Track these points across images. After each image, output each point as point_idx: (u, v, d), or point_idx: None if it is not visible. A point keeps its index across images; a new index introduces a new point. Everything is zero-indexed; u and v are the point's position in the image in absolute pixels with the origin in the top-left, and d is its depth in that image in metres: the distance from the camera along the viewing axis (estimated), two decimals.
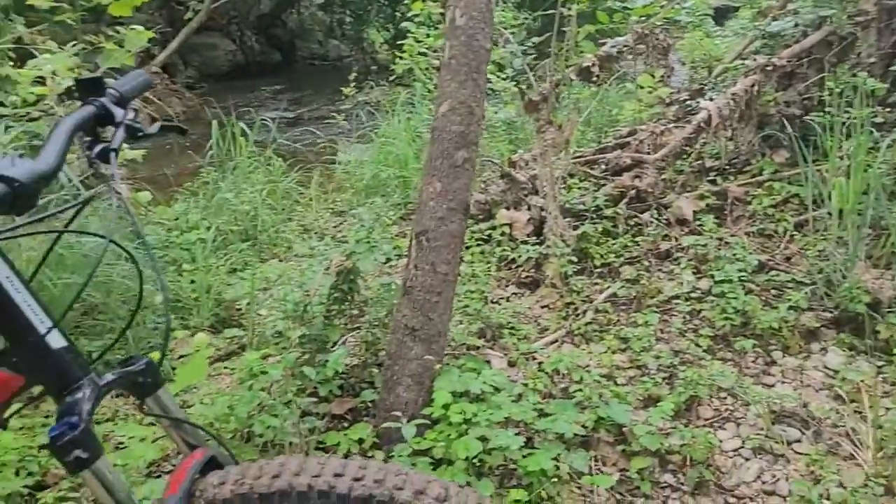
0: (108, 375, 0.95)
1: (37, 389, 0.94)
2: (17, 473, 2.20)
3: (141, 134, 1.07)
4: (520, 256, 3.45)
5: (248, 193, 4.42)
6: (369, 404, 2.45)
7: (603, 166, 3.98)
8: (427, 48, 6.60)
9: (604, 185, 3.86)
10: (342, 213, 4.98)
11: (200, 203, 4.45)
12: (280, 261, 4.05)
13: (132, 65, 4.26)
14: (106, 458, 0.89)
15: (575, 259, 3.27)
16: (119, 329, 2.84)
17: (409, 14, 6.55)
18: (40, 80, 4.19)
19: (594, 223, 3.49)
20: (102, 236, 0.97)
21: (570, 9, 3.15)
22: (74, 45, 3.89)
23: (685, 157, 3.96)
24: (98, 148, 1.02)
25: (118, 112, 1.05)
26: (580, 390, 2.30)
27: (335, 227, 4.74)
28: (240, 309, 3.42)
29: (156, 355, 1.03)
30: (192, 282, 3.40)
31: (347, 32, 17.46)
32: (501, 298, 3.31)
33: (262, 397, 2.23)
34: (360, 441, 2.25)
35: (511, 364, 2.71)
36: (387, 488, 0.89)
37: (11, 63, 6.89)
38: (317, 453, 2.26)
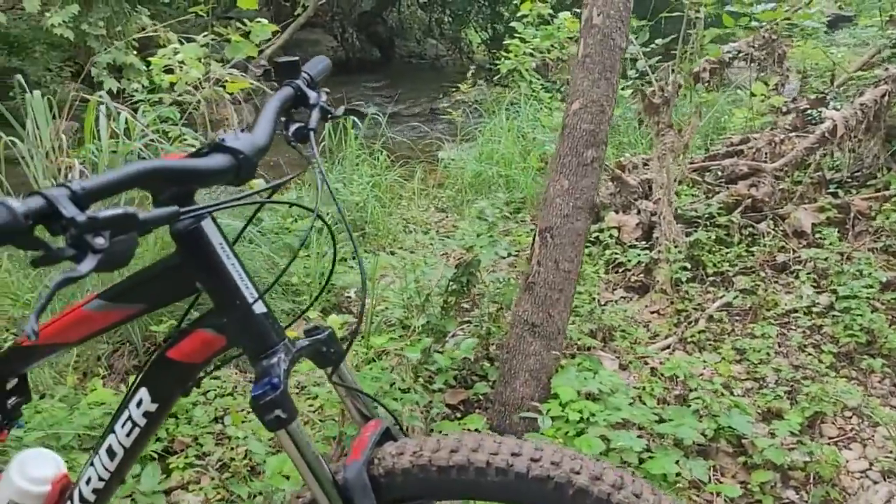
0: (300, 342, 0.99)
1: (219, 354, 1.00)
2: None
3: (330, 116, 1.12)
4: (629, 260, 3.41)
5: (357, 185, 4.52)
6: (481, 396, 2.47)
7: (718, 173, 3.89)
8: (533, 49, 6.58)
9: (717, 192, 3.78)
10: (445, 209, 5.03)
11: (311, 192, 4.57)
12: (390, 252, 4.13)
13: (255, 56, 4.42)
14: (299, 420, 0.94)
15: (687, 266, 3.21)
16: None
17: (518, 14, 6.55)
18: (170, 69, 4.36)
19: (707, 230, 3.41)
20: (309, 209, 1.02)
21: (697, 11, 3.09)
22: (206, 36, 4.05)
23: (804, 167, 3.83)
24: (294, 127, 1.08)
25: (311, 94, 1.10)
26: (699, 398, 2.26)
27: (437, 222, 4.80)
28: (349, 296, 3.51)
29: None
30: (305, 267, 3.50)
31: (446, 32, 17.58)
32: (609, 301, 3.28)
33: (390, 379, 2.28)
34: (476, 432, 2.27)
35: (622, 367, 2.68)
36: (564, 471, 0.90)
37: (135, 52, 7.27)
38: None
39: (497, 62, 11.25)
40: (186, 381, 1.02)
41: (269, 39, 4.34)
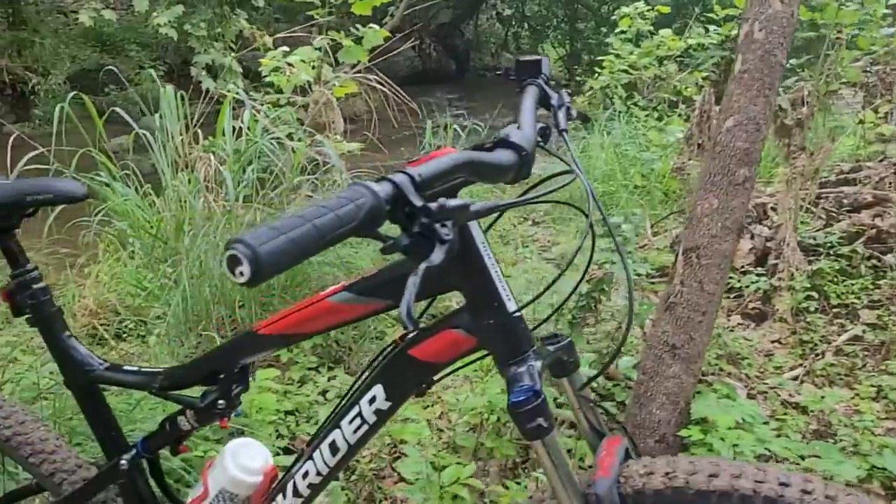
0: (546, 349, 0.96)
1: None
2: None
3: (571, 118, 1.09)
4: (746, 287, 3.30)
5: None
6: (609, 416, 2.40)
7: (843, 201, 3.75)
8: (628, 66, 6.50)
9: (837, 220, 3.64)
10: (538, 222, 4.99)
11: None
12: None
13: (365, 60, 4.46)
14: (555, 430, 0.90)
15: (813, 295, 3.09)
16: None
17: (616, 31, 6.48)
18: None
19: (831, 260, 3.29)
20: (582, 210, 0.99)
21: (839, 32, 2.99)
22: (322, 40, 4.10)
23: None
24: (537, 128, 1.05)
25: (552, 94, 1.08)
26: (847, 435, 2.16)
27: (531, 236, 4.75)
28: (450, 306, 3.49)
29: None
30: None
31: (523, 46, 17.58)
32: (725, 328, 3.18)
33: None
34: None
35: (750, 396, 2.59)
36: None
37: (233, 54, 7.43)
38: None
39: (578, 78, 11.21)
40: (424, 380, 1.00)
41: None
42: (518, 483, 2.01)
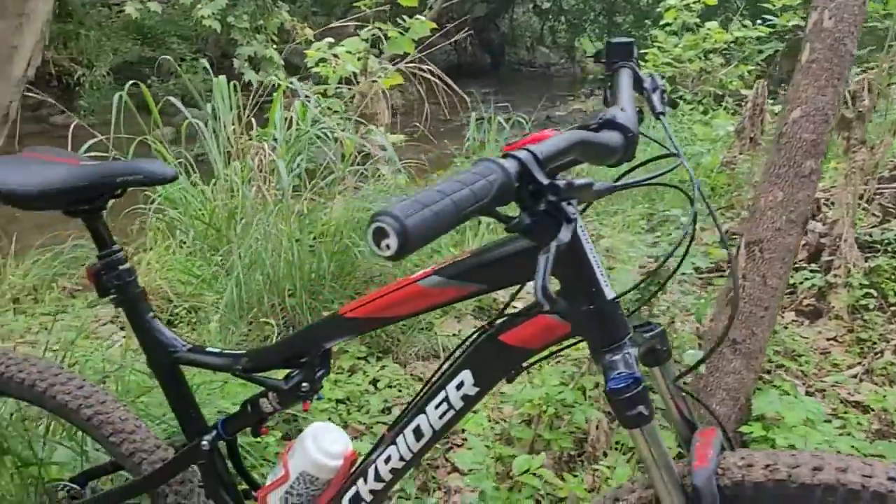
0: (641, 337, 0.94)
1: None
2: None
3: (664, 103, 1.07)
4: (800, 283, 3.24)
5: None
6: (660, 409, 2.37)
7: None
8: (672, 58, 6.42)
9: (895, 216, 3.56)
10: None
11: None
12: None
13: (412, 52, 4.45)
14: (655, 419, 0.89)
15: (872, 293, 3.02)
16: None
17: (661, 23, 6.40)
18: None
19: (889, 257, 3.22)
20: (687, 194, 0.97)
21: None
22: (369, 30, 4.10)
23: None
24: None
25: (645, 77, 1.06)
26: None
27: None
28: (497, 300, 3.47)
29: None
30: None
31: (559, 40, 17.46)
32: (778, 325, 3.13)
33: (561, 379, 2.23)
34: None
35: (808, 393, 2.54)
36: None
37: (274, 45, 7.48)
38: (612, 453, 2.22)
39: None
40: (515, 366, 0.98)
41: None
42: (575, 476, 1.99)
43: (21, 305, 3.54)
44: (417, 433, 1.04)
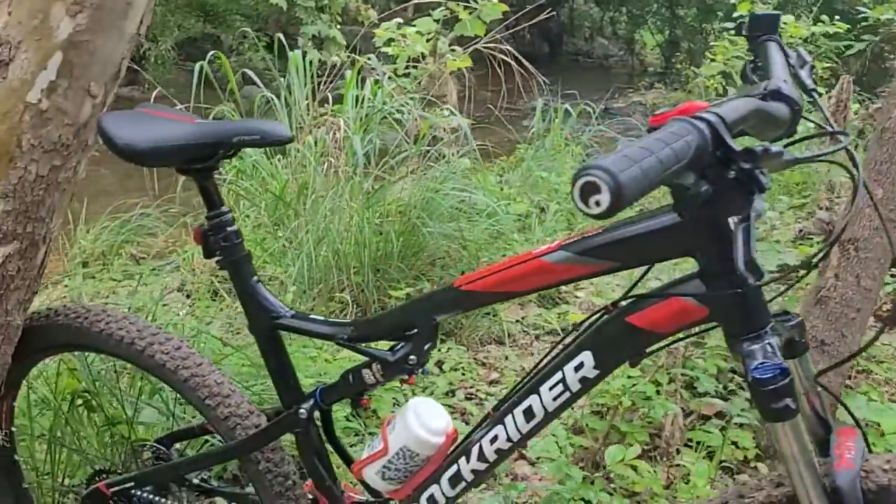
0: (782, 326, 0.89)
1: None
2: None
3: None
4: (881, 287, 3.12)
5: (566, 176, 4.43)
6: (741, 412, 2.30)
7: None
8: (743, 52, 6.25)
9: None
10: (641, 208, 4.85)
11: (514, 177, 4.52)
12: None
13: (482, 35, 4.40)
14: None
15: None
16: None
17: (734, 15, 6.22)
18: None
19: None
20: (850, 171, 0.90)
21: None
22: (441, 11, 4.06)
23: None
24: None
25: (790, 52, 1.00)
26: None
27: None
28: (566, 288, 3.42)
29: None
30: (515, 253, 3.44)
31: (619, 31, 17.16)
32: None
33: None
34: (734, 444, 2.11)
35: (891, 400, 2.44)
36: None
37: (339, 26, 7.49)
38: (686, 451, 2.17)
39: (678, 66, 10.83)
40: (641, 350, 0.94)
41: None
42: (653, 471, 1.94)
43: (89, 269, 3.61)
44: (528, 414, 1.01)
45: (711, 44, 6.75)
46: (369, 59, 3.30)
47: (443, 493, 1.11)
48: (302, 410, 1.16)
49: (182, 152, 1.09)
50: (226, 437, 1.25)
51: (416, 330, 1.06)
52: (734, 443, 2.14)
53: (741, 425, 2.25)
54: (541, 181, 4.40)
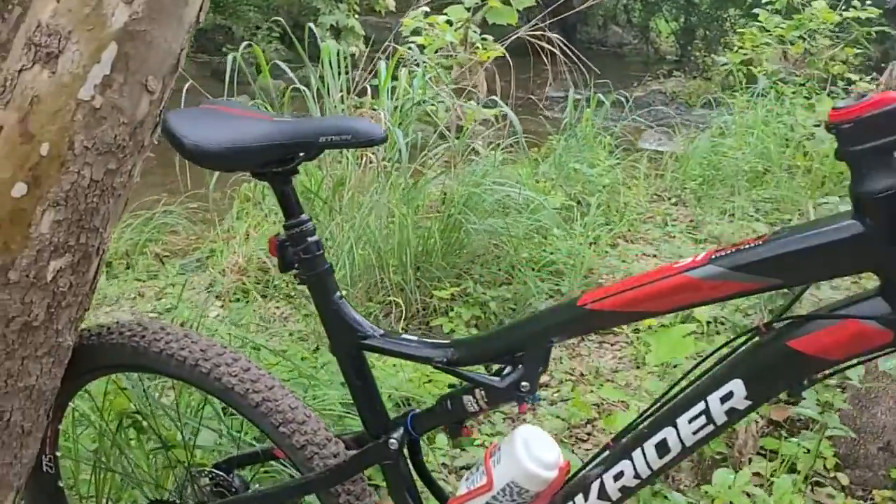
0: None
1: None
2: None
3: None
4: None
5: (600, 167, 4.31)
6: (813, 418, 2.17)
7: None
8: (773, 38, 6.10)
9: None
10: (683, 201, 4.71)
11: (548, 169, 4.39)
12: (631, 241, 3.90)
13: (514, 23, 4.27)
14: None
15: None
16: None
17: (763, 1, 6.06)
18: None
19: None
20: None
21: None
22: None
23: None
24: None
25: None
26: None
27: (670, 215, 4.48)
28: (602, 282, 3.30)
29: None
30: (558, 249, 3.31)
31: (633, 19, 16.96)
32: None
33: None
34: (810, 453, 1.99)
35: None
36: None
37: (357, 14, 7.36)
38: (757, 459, 2.05)
39: (696, 54, 10.66)
40: (804, 378, 0.82)
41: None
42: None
43: (113, 269, 3.51)
44: (662, 448, 0.89)
45: (737, 30, 6.58)
46: (409, 48, 3.16)
47: None
48: (392, 441, 1.05)
49: (260, 154, 0.97)
50: (300, 468, 1.13)
51: (523, 352, 0.94)
52: (807, 449, 2.02)
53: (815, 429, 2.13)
54: (574, 173, 4.28)
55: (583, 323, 0.92)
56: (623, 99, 5.05)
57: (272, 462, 1.36)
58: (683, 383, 0.91)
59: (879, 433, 1.96)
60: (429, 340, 1.04)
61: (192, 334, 1.17)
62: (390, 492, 1.10)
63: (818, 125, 4.79)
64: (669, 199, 4.77)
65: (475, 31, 4.19)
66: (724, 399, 0.84)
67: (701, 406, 0.86)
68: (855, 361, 0.80)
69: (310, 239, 1.03)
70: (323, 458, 1.11)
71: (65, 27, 1.05)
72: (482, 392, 0.97)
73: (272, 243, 1.04)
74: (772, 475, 1.90)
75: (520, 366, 0.94)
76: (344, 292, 2.59)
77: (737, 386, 0.83)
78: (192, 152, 0.96)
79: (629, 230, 4.11)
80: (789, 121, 5.02)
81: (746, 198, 4.33)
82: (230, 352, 1.16)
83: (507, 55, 4.36)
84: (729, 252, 0.81)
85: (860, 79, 5.60)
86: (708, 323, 2.54)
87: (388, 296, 2.70)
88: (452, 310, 2.75)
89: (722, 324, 2.57)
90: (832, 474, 1.96)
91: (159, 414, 1.42)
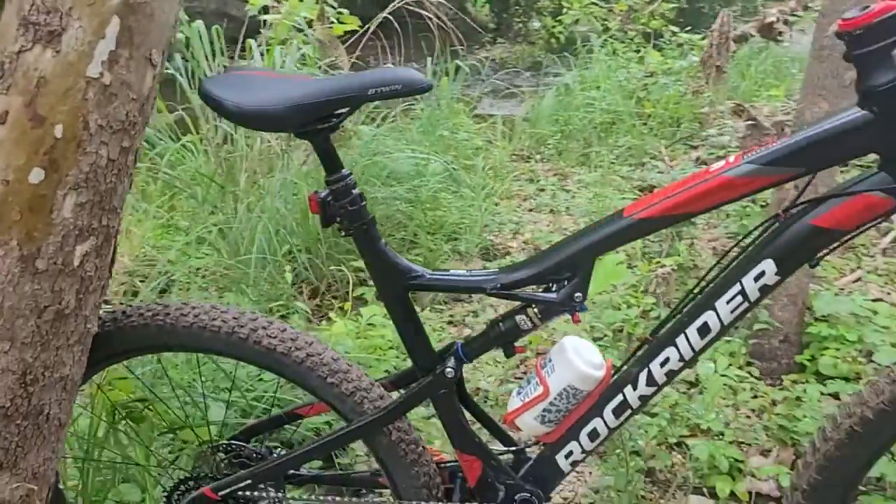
0: None
1: None
2: None
3: None
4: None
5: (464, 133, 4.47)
6: None
7: None
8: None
9: None
10: (541, 159, 4.97)
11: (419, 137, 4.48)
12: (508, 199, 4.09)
13: None
14: None
15: None
16: None
17: None
18: None
19: None
20: None
21: None
22: None
23: None
24: None
25: None
26: None
27: (535, 172, 4.73)
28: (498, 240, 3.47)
29: None
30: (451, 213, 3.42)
31: None
32: None
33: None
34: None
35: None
36: None
37: None
38: None
39: (517, 20, 11.08)
40: (820, 251, 0.98)
41: None
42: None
43: None
44: (703, 330, 1.03)
45: None
46: (297, 20, 3.13)
47: (606, 425, 1.11)
48: (449, 370, 1.12)
49: (312, 111, 1.00)
50: (349, 414, 1.17)
51: (571, 271, 1.05)
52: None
53: None
54: (441, 139, 4.40)
55: (631, 232, 1.03)
56: (467, 68, 5.22)
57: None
58: (711, 275, 1.05)
59: (779, 329, 2.25)
60: (476, 271, 1.11)
61: (217, 305, 1.18)
62: (444, 423, 1.18)
63: (649, 75, 5.23)
64: (531, 157, 5.02)
65: (333, 6, 4.19)
66: (757, 278, 0.99)
67: (737, 288, 1.00)
68: (863, 228, 0.97)
69: (354, 192, 1.07)
70: (372, 401, 1.17)
71: (64, 3, 1.02)
72: (536, 309, 1.07)
73: (313, 201, 1.07)
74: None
75: (574, 279, 1.05)
76: (250, 272, 2.57)
77: (768, 265, 0.99)
78: (245, 115, 0.98)
79: (505, 189, 4.31)
80: (624, 74, 5.42)
81: (603, 147, 4.66)
82: (262, 316, 1.18)
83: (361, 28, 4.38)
84: (759, 151, 0.95)
85: (681, 31, 6.08)
86: (628, 255, 2.77)
87: (300, 272, 2.69)
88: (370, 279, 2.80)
89: (645, 253, 2.80)
90: (746, 370, 2.23)
91: (168, 397, 1.39)
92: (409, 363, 1.19)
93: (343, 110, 1.02)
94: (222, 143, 2.98)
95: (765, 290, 1.00)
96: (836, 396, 2.03)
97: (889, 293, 2.70)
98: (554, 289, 1.06)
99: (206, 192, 2.84)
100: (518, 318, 1.08)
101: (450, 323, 2.77)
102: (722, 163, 0.98)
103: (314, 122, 1.02)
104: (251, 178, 2.86)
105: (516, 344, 1.12)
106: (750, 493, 1.79)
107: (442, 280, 1.13)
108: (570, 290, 1.05)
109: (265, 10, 4.15)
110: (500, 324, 1.10)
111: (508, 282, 1.08)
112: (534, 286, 1.08)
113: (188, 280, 2.98)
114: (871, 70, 0.88)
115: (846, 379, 2.06)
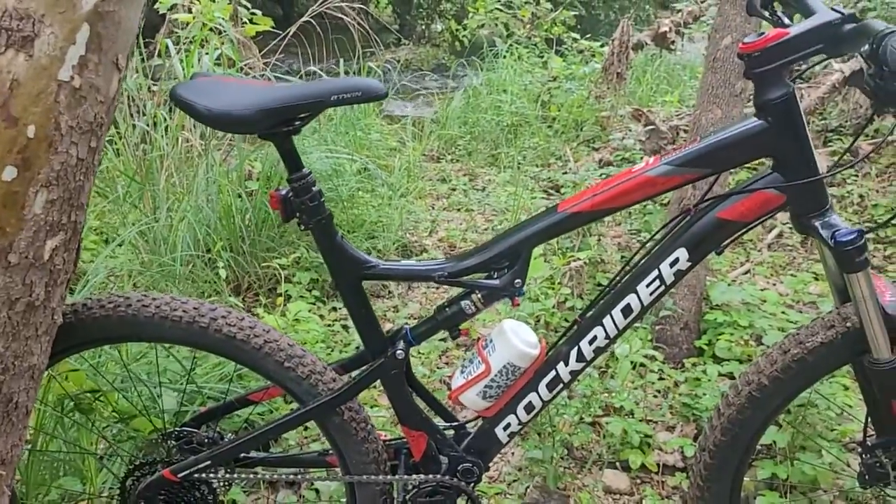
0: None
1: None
2: None
3: None
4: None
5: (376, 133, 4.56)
6: None
7: None
8: (502, 4, 6.73)
9: None
10: (451, 159, 5.12)
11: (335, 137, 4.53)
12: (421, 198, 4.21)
13: None
14: None
15: None
16: None
17: None
18: None
19: None
20: None
21: None
22: None
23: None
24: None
25: None
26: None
27: (445, 171, 4.87)
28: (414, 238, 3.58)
29: None
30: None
31: None
32: None
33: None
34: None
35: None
36: None
37: None
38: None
39: (421, 22, 11.18)
40: (725, 240, 1.14)
41: None
42: None
43: None
44: (626, 311, 1.18)
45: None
46: (220, 22, 3.13)
47: (540, 398, 1.24)
48: (399, 351, 1.22)
49: (278, 114, 1.08)
50: (304, 397, 1.26)
51: (510, 259, 1.18)
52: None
53: None
54: (356, 139, 4.48)
55: (565, 224, 1.16)
56: (379, 70, 5.30)
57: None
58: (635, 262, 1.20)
59: (680, 316, 2.46)
60: (426, 261, 1.22)
61: (176, 297, 1.24)
62: (393, 401, 1.28)
63: (553, 80, 5.47)
64: (442, 158, 5.16)
65: (246, 6, 4.19)
66: (672, 264, 1.15)
67: (654, 273, 1.16)
68: (761, 220, 1.13)
69: (314, 189, 1.16)
70: (325, 383, 1.26)
71: (36, 10, 1.07)
72: (479, 295, 1.19)
73: (274, 198, 1.16)
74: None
75: (514, 267, 1.17)
76: (177, 269, 2.57)
77: (681, 252, 1.14)
78: (215, 118, 1.05)
79: (418, 189, 4.43)
80: (529, 78, 5.65)
81: (511, 149, 4.85)
82: (220, 306, 1.25)
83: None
84: (674, 154, 1.11)
85: (581, 38, 6.37)
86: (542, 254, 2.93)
87: (220, 270, 2.72)
88: (295, 276, 2.86)
89: (553, 253, 2.96)
90: (651, 354, 2.42)
91: (124, 388, 1.43)
92: (333, 357, 1.29)
93: (306, 115, 1.11)
94: (140, 142, 2.96)
95: (679, 275, 1.16)
96: (731, 376, 2.25)
97: (774, 284, 2.99)
98: (496, 276, 1.18)
99: (127, 191, 2.82)
100: (463, 303, 1.20)
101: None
102: (643, 163, 1.13)
103: (279, 124, 1.10)
104: (171, 177, 2.86)
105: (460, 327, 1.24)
106: (658, 464, 1.97)
107: (394, 270, 1.23)
108: (511, 276, 1.17)
109: (173, 9, 4.11)
110: (447, 308, 1.22)
111: (455, 270, 1.19)
112: (477, 274, 1.20)
113: (104, 282, 2.95)
114: (766, 86, 1.04)
115: (739, 360, 2.29)
